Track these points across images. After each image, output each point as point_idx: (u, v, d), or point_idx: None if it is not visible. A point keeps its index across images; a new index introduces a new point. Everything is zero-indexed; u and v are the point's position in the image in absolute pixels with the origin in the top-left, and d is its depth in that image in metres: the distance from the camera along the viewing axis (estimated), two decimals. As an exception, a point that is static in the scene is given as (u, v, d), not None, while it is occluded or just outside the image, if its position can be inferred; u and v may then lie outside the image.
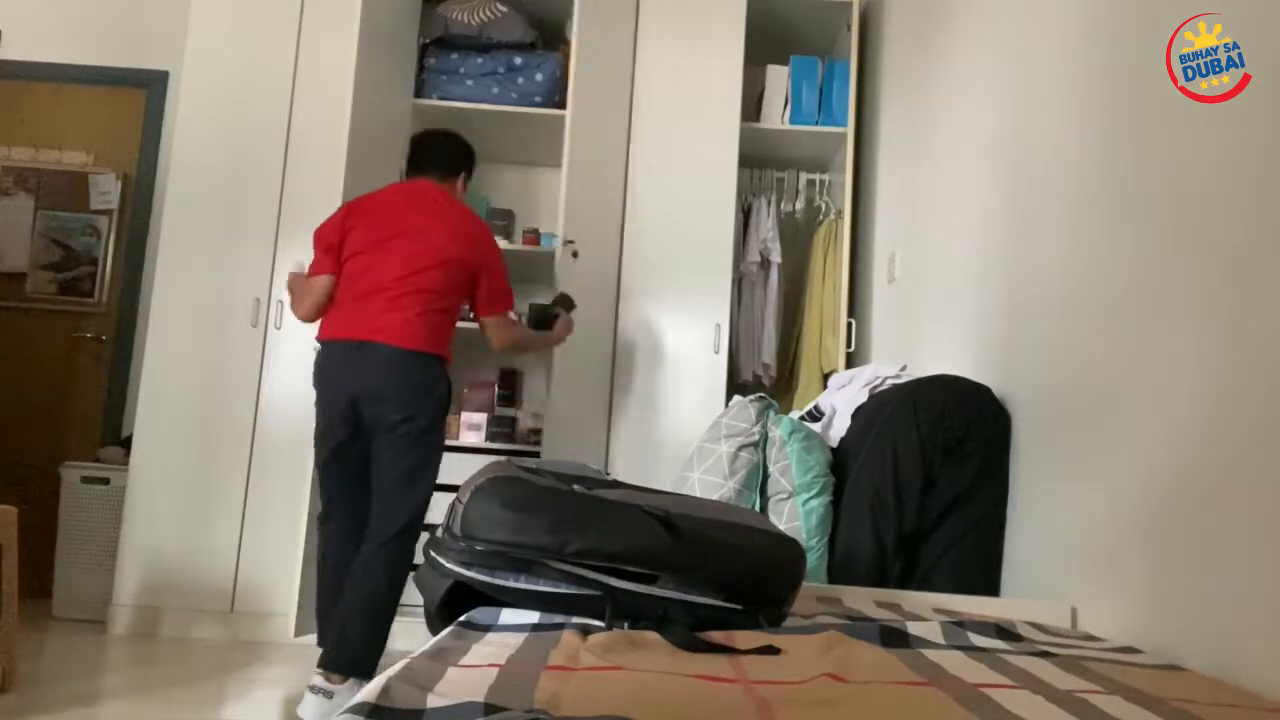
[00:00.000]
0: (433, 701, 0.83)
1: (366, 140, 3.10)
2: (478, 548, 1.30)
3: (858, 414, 2.31)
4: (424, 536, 2.10)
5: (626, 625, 1.27)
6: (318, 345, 2.62)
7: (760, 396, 2.35)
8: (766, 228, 3.78)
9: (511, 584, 1.30)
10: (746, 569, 1.35)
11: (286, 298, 3.44)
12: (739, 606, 1.32)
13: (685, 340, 3.44)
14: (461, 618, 1.30)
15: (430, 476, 2.55)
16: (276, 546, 3.35)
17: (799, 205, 3.92)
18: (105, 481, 3.62)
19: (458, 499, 1.37)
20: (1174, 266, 1.51)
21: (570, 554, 1.28)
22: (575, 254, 3.24)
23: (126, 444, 3.60)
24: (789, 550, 1.44)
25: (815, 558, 2.07)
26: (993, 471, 2.06)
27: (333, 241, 2.63)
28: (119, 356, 4.19)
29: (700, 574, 1.30)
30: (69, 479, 3.64)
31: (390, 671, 0.93)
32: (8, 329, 4.25)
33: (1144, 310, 1.59)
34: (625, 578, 1.29)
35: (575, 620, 1.30)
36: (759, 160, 3.86)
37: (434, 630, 1.36)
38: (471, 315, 2.78)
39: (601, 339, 3.44)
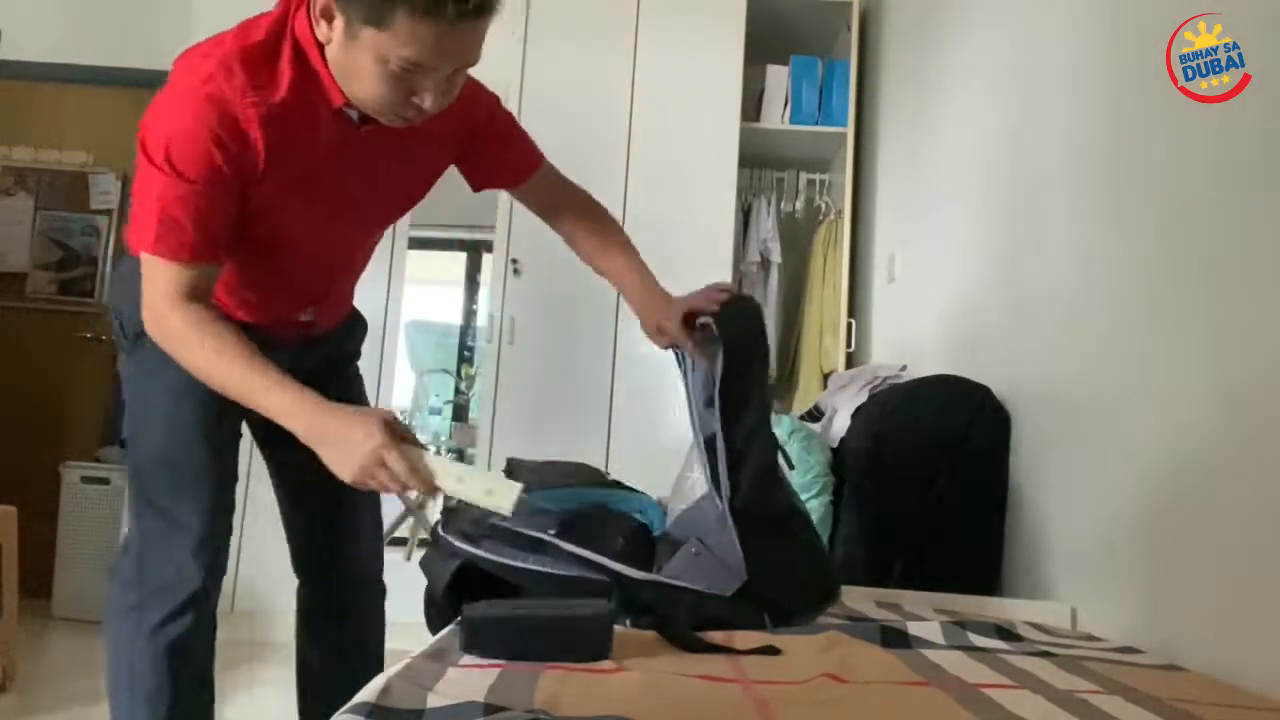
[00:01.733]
0: (433, 701, 0.83)
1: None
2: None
3: (858, 414, 2.31)
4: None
5: (628, 622, 1.27)
6: None
7: (760, 396, 2.34)
8: (766, 228, 3.78)
9: (519, 564, 1.29)
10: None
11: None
12: (745, 601, 1.31)
13: (685, 340, 3.43)
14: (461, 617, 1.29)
15: (133, 435, 1.59)
16: (277, 546, 3.33)
17: (799, 205, 3.92)
18: (105, 481, 3.62)
19: None
20: (1174, 267, 1.51)
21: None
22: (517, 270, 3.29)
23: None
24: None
25: (815, 558, 2.07)
26: (993, 471, 2.06)
27: None
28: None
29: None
30: (69, 479, 3.64)
31: (390, 671, 0.93)
32: (8, 329, 4.25)
33: (1144, 310, 1.59)
34: (634, 564, 1.30)
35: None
36: (759, 160, 3.86)
37: (433, 626, 1.36)
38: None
39: (602, 338, 3.43)
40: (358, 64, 1.20)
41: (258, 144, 1.26)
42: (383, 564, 1.80)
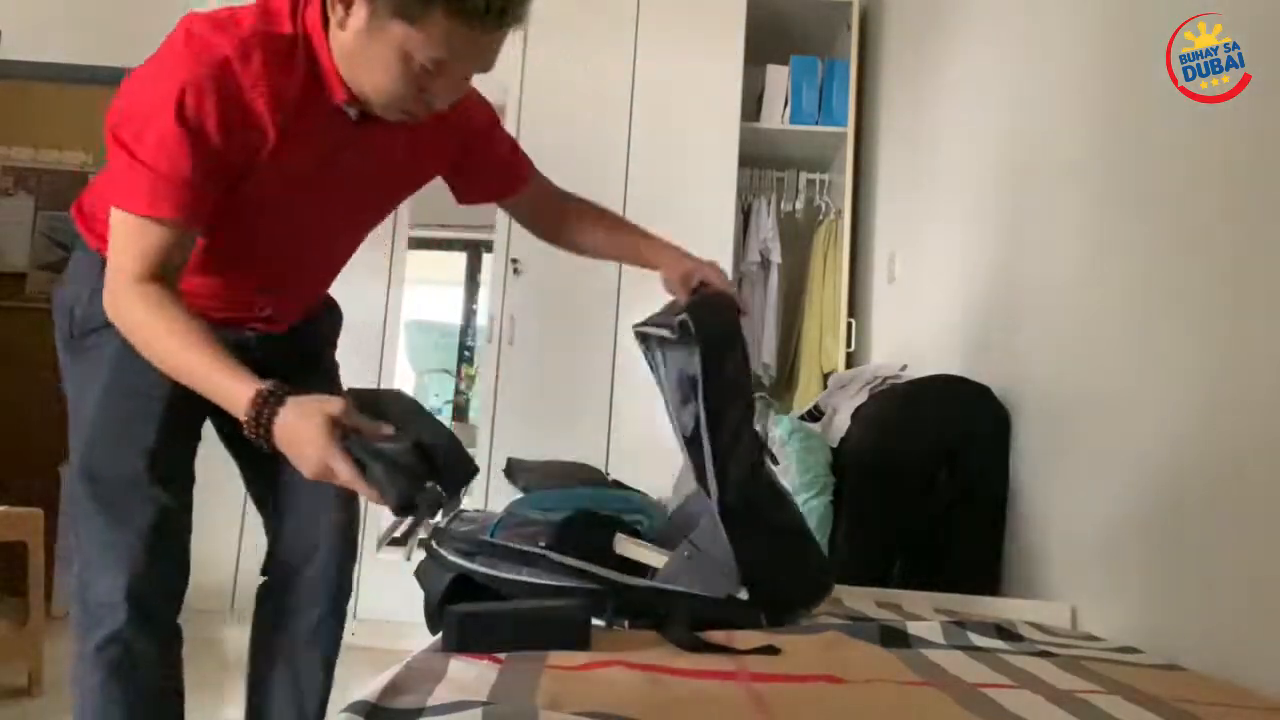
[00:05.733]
0: (432, 701, 0.83)
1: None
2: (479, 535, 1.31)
3: (858, 414, 2.31)
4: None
5: (627, 624, 1.27)
6: None
7: (760, 396, 2.35)
8: (766, 228, 3.78)
9: (513, 577, 1.30)
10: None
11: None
12: (743, 600, 1.31)
13: (685, 340, 3.43)
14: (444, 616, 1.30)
15: (74, 440, 1.52)
16: (276, 546, 3.35)
17: (799, 205, 3.92)
18: (105, 481, 3.62)
19: None
20: (1174, 267, 1.51)
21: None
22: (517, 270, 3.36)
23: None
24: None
25: (815, 558, 2.08)
26: (993, 471, 2.06)
27: None
28: (119, 356, 4.19)
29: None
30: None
31: (390, 671, 0.93)
32: (8, 329, 4.25)
33: (1144, 310, 1.59)
34: (628, 570, 1.29)
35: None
36: (759, 160, 3.86)
37: (434, 628, 1.36)
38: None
39: (602, 338, 3.43)
40: (376, 56, 1.17)
41: (264, 133, 1.23)
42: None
